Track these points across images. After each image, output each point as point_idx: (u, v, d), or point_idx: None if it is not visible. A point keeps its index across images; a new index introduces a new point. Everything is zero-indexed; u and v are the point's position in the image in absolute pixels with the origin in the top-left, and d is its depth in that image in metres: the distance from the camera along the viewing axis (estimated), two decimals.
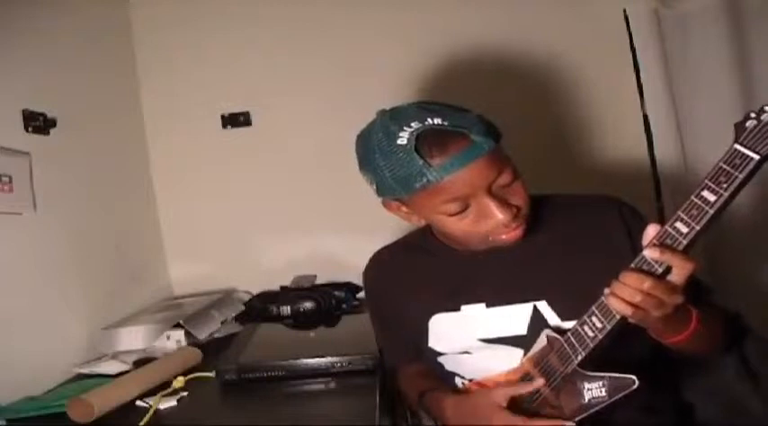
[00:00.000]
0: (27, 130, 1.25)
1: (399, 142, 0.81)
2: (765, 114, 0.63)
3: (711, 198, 0.66)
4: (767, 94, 1.54)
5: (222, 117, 1.81)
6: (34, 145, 1.26)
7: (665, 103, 1.69)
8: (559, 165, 1.75)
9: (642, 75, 1.72)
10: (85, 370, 1.23)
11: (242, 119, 1.81)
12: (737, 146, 0.64)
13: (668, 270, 0.71)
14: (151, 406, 0.99)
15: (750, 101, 1.55)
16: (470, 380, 0.96)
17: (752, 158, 0.63)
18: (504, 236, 0.86)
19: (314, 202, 1.79)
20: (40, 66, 1.33)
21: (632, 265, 0.73)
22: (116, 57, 1.74)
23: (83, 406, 0.96)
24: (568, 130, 1.78)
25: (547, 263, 0.92)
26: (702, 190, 0.67)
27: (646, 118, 1.75)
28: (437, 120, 0.81)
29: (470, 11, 1.76)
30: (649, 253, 0.71)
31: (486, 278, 0.94)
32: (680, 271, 0.71)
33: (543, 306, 0.89)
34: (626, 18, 1.74)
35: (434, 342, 0.97)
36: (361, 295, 1.37)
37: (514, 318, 0.91)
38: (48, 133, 1.31)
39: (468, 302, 0.94)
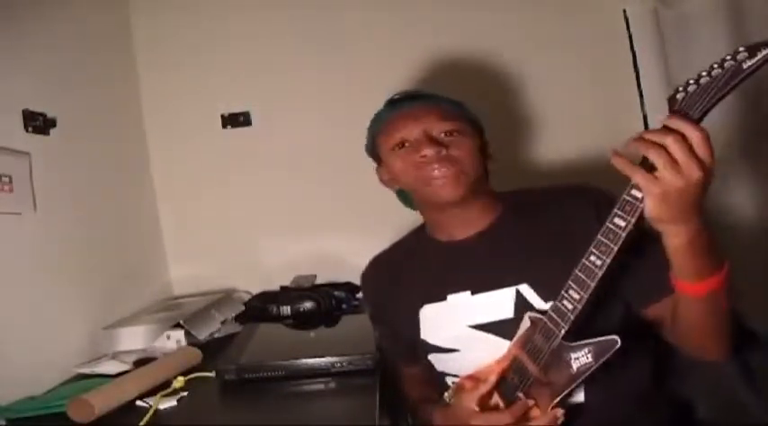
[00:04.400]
0: (27, 130, 1.25)
1: (382, 107, 1.04)
2: (691, 85, 0.68)
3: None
4: (767, 94, 1.54)
5: (222, 117, 1.81)
6: (34, 145, 1.26)
7: (665, 103, 1.69)
8: (559, 165, 1.75)
9: (642, 74, 1.73)
10: (85, 370, 1.23)
11: (242, 119, 1.81)
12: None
13: None
14: (151, 406, 0.99)
15: (750, 100, 1.55)
16: (463, 377, 0.97)
17: None
18: (434, 173, 0.93)
19: (314, 202, 1.79)
20: (40, 66, 1.33)
21: None
22: (116, 58, 1.74)
23: (83, 406, 0.96)
24: (568, 130, 1.78)
25: (528, 248, 0.95)
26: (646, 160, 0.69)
27: (646, 118, 1.75)
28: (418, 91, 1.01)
29: (470, 11, 1.76)
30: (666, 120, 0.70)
31: (470, 266, 0.98)
32: (697, 140, 0.67)
33: (525, 289, 0.92)
34: (626, 18, 1.74)
35: (426, 333, 1.00)
36: (361, 295, 1.37)
37: (499, 303, 0.94)
38: (48, 133, 1.31)
39: (453, 291, 0.98)
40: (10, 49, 1.24)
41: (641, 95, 1.75)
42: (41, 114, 1.29)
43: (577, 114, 1.78)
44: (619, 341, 0.76)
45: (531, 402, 0.84)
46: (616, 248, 0.73)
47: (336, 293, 1.58)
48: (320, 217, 1.79)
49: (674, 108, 0.69)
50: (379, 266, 1.13)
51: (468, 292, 0.97)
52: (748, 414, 0.91)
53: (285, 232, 1.81)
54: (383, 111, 1.02)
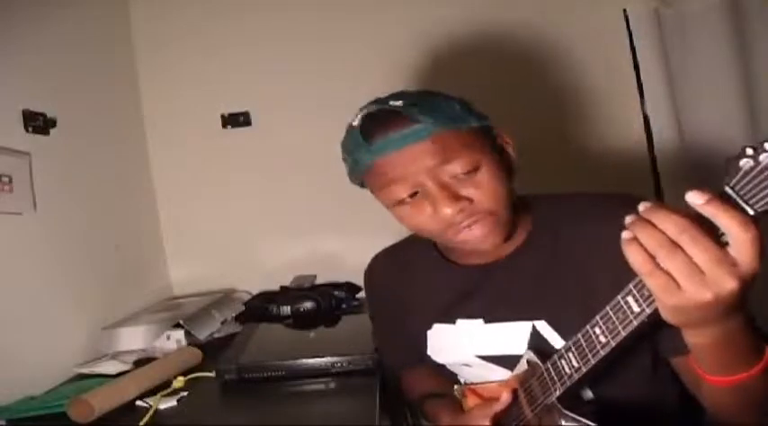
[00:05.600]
0: (27, 130, 1.25)
1: (353, 123, 0.80)
2: (765, 153, 0.45)
3: None
4: (767, 94, 1.54)
5: (222, 117, 1.81)
6: (34, 145, 1.26)
7: (665, 103, 1.70)
8: (559, 165, 1.75)
9: (642, 75, 1.73)
10: (85, 370, 1.23)
11: (242, 119, 1.81)
12: (729, 191, 0.49)
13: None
14: (151, 406, 0.99)
15: (750, 100, 1.55)
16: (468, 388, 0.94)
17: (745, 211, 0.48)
18: (460, 237, 0.78)
19: (314, 202, 1.79)
20: (40, 67, 1.33)
21: None
22: (116, 57, 1.74)
23: (83, 406, 0.96)
24: (568, 130, 1.78)
25: (550, 278, 0.82)
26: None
27: (646, 118, 1.75)
28: (393, 102, 0.77)
29: (470, 11, 1.76)
30: (691, 197, 0.48)
31: (486, 292, 0.88)
32: (738, 241, 0.47)
33: (542, 326, 0.82)
34: (626, 18, 1.74)
35: (433, 353, 0.95)
36: (362, 294, 1.37)
37: (512, 336, 0.84)
38: (48, 133, 1.31)
39: (464, 316, 0.89)
40: (10, 49, 1.24)
41: (641, 95, 1.75)
42: (41, 114, 1.29)
43: (577, 114, 1.78)
44: None
45: None
46: (624, 333, 0.58)
47: (336, 293, 1.58)
48: (320, 216, 1.79)
49: (732, 179, 0.48)
50: (385, 268, 1.05)
51: (481, 320, 0.87)
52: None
53: (285, 232, 1.81)
54: (365, 151, 0.76)
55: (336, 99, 1.77)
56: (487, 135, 0.81)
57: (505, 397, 0.80)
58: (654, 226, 0.49)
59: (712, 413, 0.70)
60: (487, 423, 0.82)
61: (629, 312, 0.57)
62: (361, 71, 1.77)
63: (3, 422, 1.00)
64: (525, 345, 0.82)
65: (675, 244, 0.48)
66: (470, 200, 0.76)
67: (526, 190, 0.94)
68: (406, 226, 0.83)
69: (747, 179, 0.47)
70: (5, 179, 1.15)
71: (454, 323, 0.90)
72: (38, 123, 1.28)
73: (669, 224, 0.48)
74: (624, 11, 1.74)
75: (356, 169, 0.81)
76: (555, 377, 0.72)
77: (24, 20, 1.30)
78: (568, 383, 0.69)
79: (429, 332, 0.94)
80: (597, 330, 0.62)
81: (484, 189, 0.76)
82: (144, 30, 1.81)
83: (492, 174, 0.77)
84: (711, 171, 1.58)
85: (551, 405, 0.74)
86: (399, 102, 0.77)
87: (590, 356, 0.64)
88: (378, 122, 0.77)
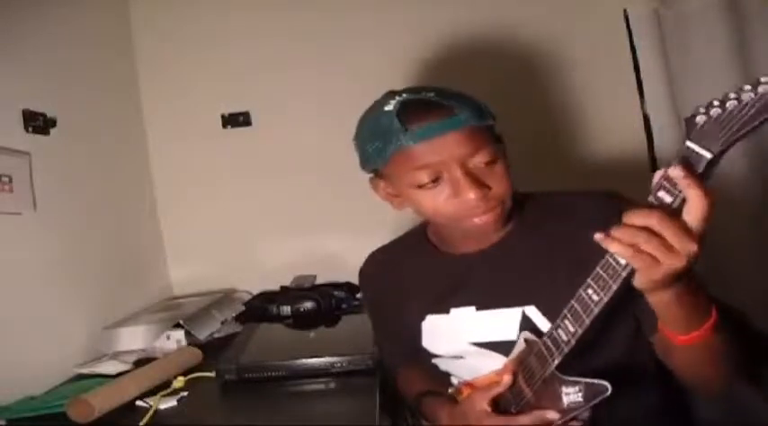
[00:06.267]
0: (27, 130, 1.25)
1: (386, 109, 0.84)
2: (714, 108, 0.58)
3: (668, 199, 0.61)
4: None
5: (222, 117, 1.81)
6: (34, 145, 1.26)
7: (666, 103, 1.70)
8: (559, 165, 1.75)
9: (642, 75, 1.73)
10: (85, 370, 1.23)
11: (242, 119, 1.81)
12: (690, 144, 0.60)
13: (678, 211, 0.61)
14: (151, 406, 0.99)
15: None
16: (464, 381, 0.96)
17: (704, 157, 0.58)
18: (475, 220, 0.84)
19: (314, 202, 1.79)
20: (40, 66, 1.33)
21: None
22: (116, 57, 1.74)
23: (83, 406, 0.96)
24: (568, 130, 1.78)
25: (538, 267, 0.89)
26: (658, 191, 0.62)
27: (646, 118, 1.75)
28: (429, 94, 0.84)
29: (470, 11, 1.76)
30: (670, 171, 0.59)
31: (477, 281, 0.93)
32: (696, 207, 0.59)
33: (532, 311, 0.87)
34: (626, 18, 1.74)
35: (427, 343, 0.97)
36: (361, 294, 1.37)
37: (504, 323, 0.89)
38: (48, 133, 1.31)
39: (457, 305, 0.93)
40: (10, 49, 1.24)
41: (641, 95, 1.75)
42: (41, 114, 1.29)
43: (577, 114, 1.78)
44: (609, 388, 0.72)
45: (550, 412, 0.79)
46: (615, 286, 0.66)
47: (336, 293, 1.58)
48: (320, 216, 1.79)
49: (691, 134, 0.60)
50: (379, 265, 1.09)
51: (473, 308, 0.92)
52: (752, 415, 0.90)
53: (285, 232, 1.81)
54: (402, 135, 0.81)
55: (336, 99, 1.78)
56: (496, 136, 0.89)
57: (506, 379, 0.83)
58: (627, 225, 0.61)
59: (681, 377, 0.82)
60: (486, 407, 0.84)
61: (617, 266, 0.65)
62: (362, 71, 1.77)
63: (3, 422, 1.00)
64: (516, 331, 0.87)
65: (649, 231, 0.60)
66: (490, 188, 0.83)
67: (525, 189, 0.96)
68: (421, 208, 0.87)
69: (704, 130, 0.59)
70: (5, 179, 1.15)
71: (448, 312, 0.94)
72: (38, 123, 1.28)
73: (638, 217, 0.60)
74: (624, 11, 1.74)
75: (380, 153, 0.84)
76: (552, 348, 0.76)
77: (24, 20, 1.30)
78: (566, 349, 0.74)
79: (423, 324, 0.97)
80: (590, 290, 0.69)
81: (499, 180, 0.84)
82: (144, 30, 1.81)
83: (505, 168, 0.85)
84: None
85: (550, 376, 0.78)
86: (432, 94, 0.84)
87: (584, 316, 0.70)
88: (417, 109, 0.82)
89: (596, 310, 0.69)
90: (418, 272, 1.01)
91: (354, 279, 1.15)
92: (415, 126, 0.81)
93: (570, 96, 1.77)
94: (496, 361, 0.89)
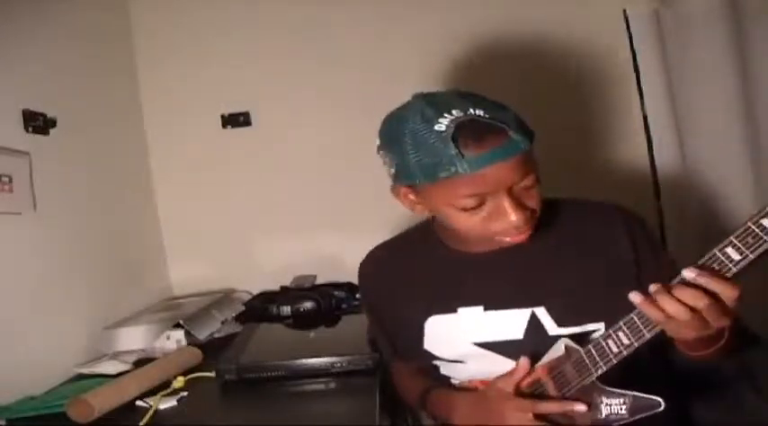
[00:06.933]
0: (27, 130, 1.25)
1: (437, 128, 0.77)
2: None
3: (736, 257, 0.67)
4: (767, 94, 1.54)
5: (222, 117, 1.81)
6: (34, 145, 1.26)
7: (665, 103, 1.70)
8: (559, 165, 1.74)
9: (642, 75, 1.73)
10: (85, 370, 1.23)
11: (242, 119, 1.81)
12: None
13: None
14: (151, 406, 0.99)
15: (750, 101, 1.55)
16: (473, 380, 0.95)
17: None
18: (508, 239, 0.83)
19: (314, 202, 1.79)
20: (40, 66, 1.33)
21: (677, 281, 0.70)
22: (116, 57, 1.74)
23: (83, 406, 0.96)
24: (568, 130, 1.78)
25: (548, 269, 0.90)
26: (762, 218, 0.65)
27: (646, 118, 1.75)
28: (479, 112, 0.78)
29: (470, 11, 1.76)
30: (694, 276, 0.68)
31: (486, 280, 0.92)
32: (728, 298, 0.68)
33: (541, 313, 0.88)
34: (626, 18, 1.74)
35: (430, 345, 0.95)
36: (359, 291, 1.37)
37: (511, 323, 0.89)
38: (48, 133, 1.31)
39: (465, 304, 0.92)
40: (10, 49, 1.24)
41: (641, 96, 1.75)
42: (41, 114, 1.29)
43: (577, 114, 1.78)
44: (662, 404, 0.74)
45: (578, 404, 0.80)
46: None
47: (336, 293, 1.58)
48: (320, 216, 1.79)
49: (750, 228, 0.65)
50: (380, 262, 1.06)
51: (481, 307, 0.91)
52: (749, 415, 0.91)
53: (285, 232, 1.81)
54: (458, 162, 0.75)
55: (337, 99, 1.78)
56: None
57: (523, 361, 0.84)
58: (679, 299, 0.69)
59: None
60: (510, 389, 0.84)
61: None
62: (362, 71, 1.77)
63: (3, 422, 1.00)
64: (523, 331, 0.88)
65: (709, 297, 0.68)
66: (533, 211, 0.83)
67: None
68: (453, 224, 0.85)
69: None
70: (5, 179, 1.15)
71: (455, 311, 0.93)
72: (38, 123, 1.28)
73: (689, 295, 0.69)
74: (624, 11, 1.74)
75: (428, 175, 0.79)
76: (597, 357, 0.77)
77: (24, 20, 1.30)
78: (614, 361, 0.75)
79: (426, 324, 0.95)
80: None
81: (537, 201, 0.83)
82: (144, 30, 1.81)
83: (539, 188, 0.84)
84: (711, 170, 1.58)
85: (589, 385, 0.78)
86: (481, 111, 0.78)
87: (645, 331, 0.73)
88: (473, 133, 0.76)
89: (658, 328, 0.72)
90: (425, 269, 0.99)
91: (354, 279, 1.14)
92: (472, 153, 0.75)
93: (569, 96, 1.77)
94: (498, 366, 0.88)
